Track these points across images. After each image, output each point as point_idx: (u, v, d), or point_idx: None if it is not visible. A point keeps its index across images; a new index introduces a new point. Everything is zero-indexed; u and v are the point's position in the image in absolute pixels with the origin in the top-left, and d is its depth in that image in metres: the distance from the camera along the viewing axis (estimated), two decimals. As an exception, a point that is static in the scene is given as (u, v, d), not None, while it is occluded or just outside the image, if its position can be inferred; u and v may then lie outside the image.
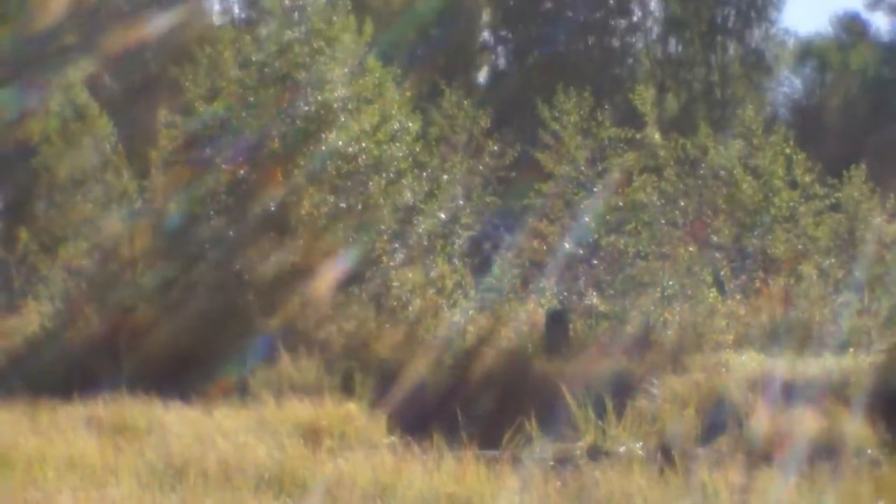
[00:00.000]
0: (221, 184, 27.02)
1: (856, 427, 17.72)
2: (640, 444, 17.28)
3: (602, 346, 24.41)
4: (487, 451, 15.21)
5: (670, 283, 26.05)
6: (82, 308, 26.73)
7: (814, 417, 18.06)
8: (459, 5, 59.95)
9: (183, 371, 22.24)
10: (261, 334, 23.77)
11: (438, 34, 58.85)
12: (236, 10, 59.20)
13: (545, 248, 27.10)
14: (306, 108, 26.97)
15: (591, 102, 27.91)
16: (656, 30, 64.97)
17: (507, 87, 58.35)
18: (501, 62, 65.57)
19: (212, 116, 27.54)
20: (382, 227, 26.78)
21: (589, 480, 13.83)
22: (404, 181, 27.32)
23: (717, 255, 27.57)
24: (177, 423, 17.03)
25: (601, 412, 17.75)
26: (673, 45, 64.37)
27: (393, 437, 16.73)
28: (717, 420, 18.66)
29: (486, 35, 65.48)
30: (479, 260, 28.84)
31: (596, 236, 26.87)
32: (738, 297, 27.07)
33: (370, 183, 26.96)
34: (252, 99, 27.27)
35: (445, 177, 28.33)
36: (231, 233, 26.56)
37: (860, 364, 21.55)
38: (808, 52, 68.30)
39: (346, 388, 20.70)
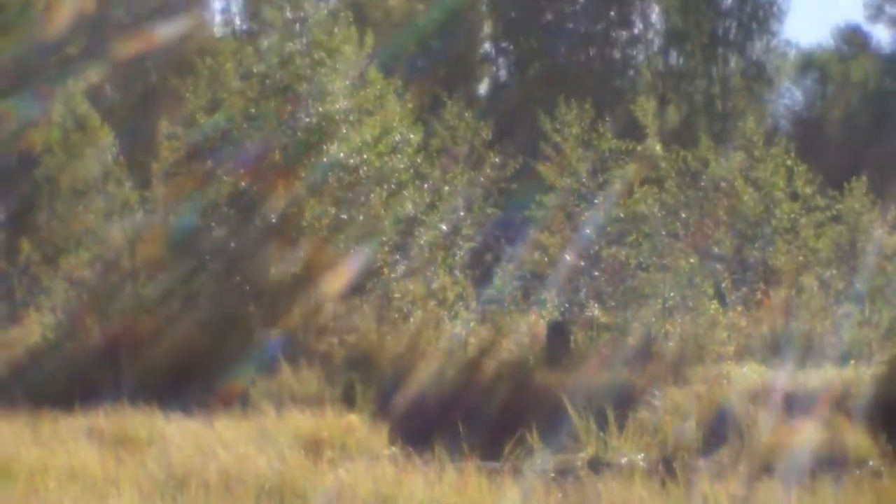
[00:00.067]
0: (223, 195, 27.03)
1: (857, 438, 17.74)
2: (642, 455, 17.31)
3: (603, 357, 24.40)
4: (489, 463, 15.22)
5: (671, 294, 26.05)
6: (84, 319, 26.74)
7: (815, 429, 18.06)
8: (460, 17, 59.96)
9: (184, 382, 22.26)
10: (262, 345, 23.78)
11: (439, 46, 58.85)
12: (238, 21, 59.29)
13: (546, 259, 27.09)
14: (307, 119, 27.00)
15: (592, 114, 27.92)
16: (657, 42, 64.98)
17: (508, 98, 58.34)
18: (502, 74, 65.58)
19: (213, 128, 27.55)
20: (384, 238, 26.79)
21: (590, 492, 13.84)
22: (406, 192, 27.33)
23: (719, 266, 27.57)
24: (178, 433, 17.03)
25: (602, 424, 17.78)
26: (674, 57, 64.36)
27: (394, 448, 16.75)
28: (718, 431, 18.68)
29: (487, 47, 65.48)
30: (481, 271, 28.83)
31: (597, 248, 26.85)
32: (739, 308, 27.07)
33: (371, 194, 26.98)
34: (253, 110, 27.29)
35: (447, 188, 28.35)
36: (232, 244, 26.57)
37: (861, 375, 21.55)
38: (810, 64, 68.33)
39: (348, 399, 20.71)
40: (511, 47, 64.36)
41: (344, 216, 26.60)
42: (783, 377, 21.73)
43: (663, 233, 27.14)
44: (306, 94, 27.19)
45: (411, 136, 27.83)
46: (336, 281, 25.74)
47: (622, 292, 26.49)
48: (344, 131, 26.98)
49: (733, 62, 63.24)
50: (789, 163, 28.84)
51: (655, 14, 65.00)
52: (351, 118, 27.24)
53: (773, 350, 24.95)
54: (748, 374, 22.58)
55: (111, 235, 28.77)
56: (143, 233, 28.22)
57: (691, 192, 28.14)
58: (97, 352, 25.53)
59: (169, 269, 26.98)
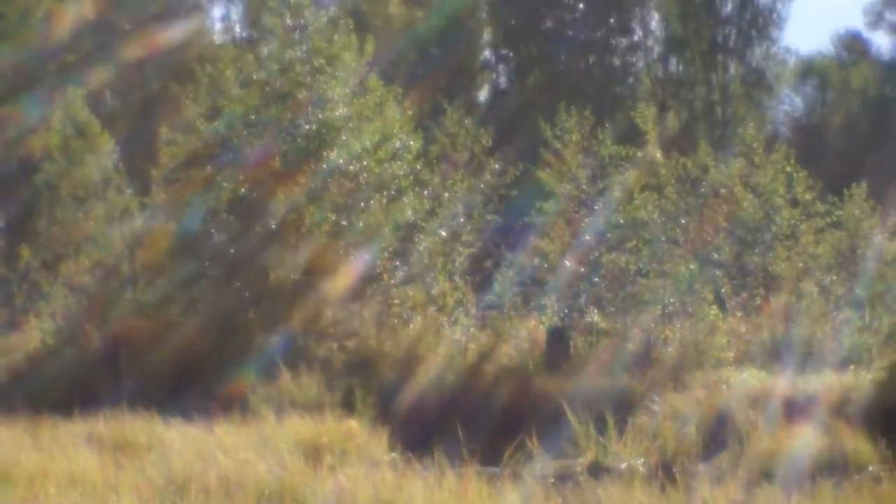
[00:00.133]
0: (223, 201, 27.05)
1: (857, 444, 17.72)
2: (642, 460, 17.32)
3: (603, 363, 24.41)
4: (488, 468, 15.23)
5: (671, 300, 26.06)
6: (83, 325, 26.76)
7: (815, 434, 18.05)
8: (460, 24, 59.98)
9: (184, 387, 22.29)
10: (262, 351, 23.78)
11: (439, 53, 58.87)
12: (238, 29, 59.31)
13: (546, 265, 27.10)
14: (307, 126, 27.02)
15: (591, 121, 27.95)
16: (657, 49, 64.97)
17: (508, 105, 58.33)
18: (502, 81, 65.56)
19: (213, 134, 27.57)
20: (383, 244, 26.79)
21: (590, 497, 13.85)
22: (405, 199, 27.35)
23: (718, 272, 27.57)
24: (178, 439, 17.03)
25: (602, 429, 17.79)
26: (674, 64, 64.34)
27: (394, 454, 16.76)
28: (718, 437, 18.68)
29: (487, 54, 65.48)
30: (481, 277, 28.85)
31: (597, 254, 26.86)
32: (738, 314, 27.08)
33: (371, 201, 27.00)
34: (253, 117, 27.30)
35: (446, 195, 28.38)
36: (232, 250, 26.58)
37: (861, 381, 21.53)
38: (809, 70, 68.37)
39: (347, 405, 20.72)
40: (511, 54, 64.35)
41: (344, 222, 26.62)
42: (783, 383, 21.73)
43: (663, 239, 27.14)
44: (306, 101, 27.20)
45: (411, 142, 27.84)
46: (336, 287, 25.76)
47: (622, 298, 26.50)
48: (344, 138, 27.00)
49: (733, 69, 63.23)
50: (789, 169, 28.87)
51: (655, 21, 65.03)
52: (351, 125, 27.26)
53: (772, 355, 24.95)
54: (748, 379, 22.57)
55: (111, 241, 28.79)
56: (142, 239, 28.24)
57: (691, 199, 28.16)
58: (97, 357, 25.55)
59: (169, 274, 27.00)
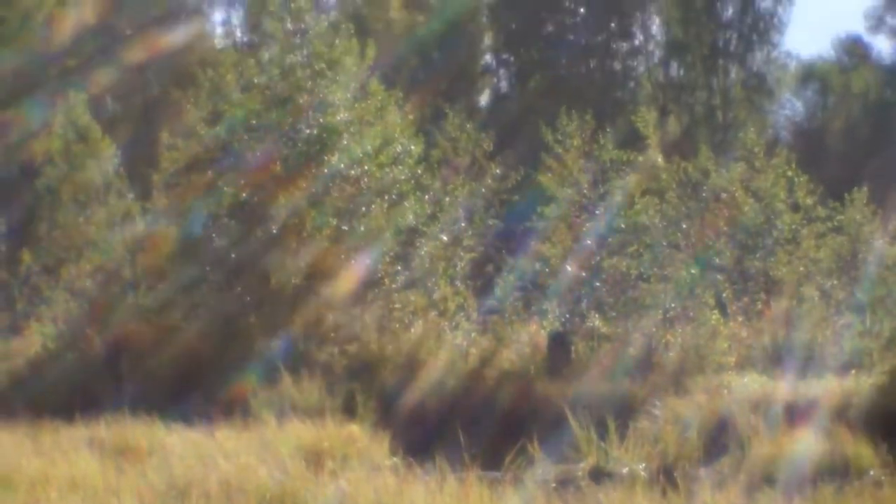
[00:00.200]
0: (224, 206, 27.05)
1: (858, 448, 17.71)
2: (643, 465, 17.32)
3: (604, 367, 24.40)
4: (490, 473, 15.21)
5: (672, 305, 26.06)
6: (85, 329, 26.76)
7: (816, 439, 18.04)
8: (461, 28, 60.00)
9: (185, 392, 22.29)
10: (263, 355, 23.77)
11: (440, 57, 58.90)
12: (239, 33, 59.33)
13: (547, 270, 27.11)
14: (309, 130, 27.02)
15: (592, 125, 27.96)
16: (658, 53, 65.00)
17: (509, 109, 58.36)
18: (503, 85, 65.61)
19: (214, 139, 27.57)
20: (385, 249, 26.79)
21: (591, 502, 13.85)
22: (407, 203, 27.34)
23: (720, 277, 27.57)
24: (179, 443, 17.02)
25: (603, 433, 17.78)
26: (675, 69, 64.37)
27: (395, 459, 16.75)
28: (719, 441, 18.68)
29: (488, 58, 65.52)
30: (482, 282, 28.86)
31: (598, 258, 26.86)
32: (740, 319, 27.09)
33: (372, 205, 26.99)
34: (254, 122, 27.30)
35: (448, 199, 28.39)
36: (233, 254, 26.58)
37: (862, 385, 21.52)
38: (810, 75, 68.38)
39: (349, 410, 20.71)
40: (512, 59, 64.40)
41: (345, 227, 26.61)
42: (784, 387, 21.73)
43: (664, 243, 27.15)
44: (307, 105, 27.20)
45: (412, 147, 27.83)
46: (337, 291, 25.76)
47: (623, 303, 26.50)
48: (345, 142, 26.99)
49: (734, 73, 63.26)
50: (790, 173, 28.87)
51: (656, 25, 65.06)
52: (352, 129, 27.26)
53: (774, 360, 24.94)
54: (749, 384, 22.57)
55: (112, 246, 28.80)
56: (143, 243, 28.25)
57: (692, 203, 28.18)
58: (98, 362, 25.56)
59: (170, 279, 26.99)
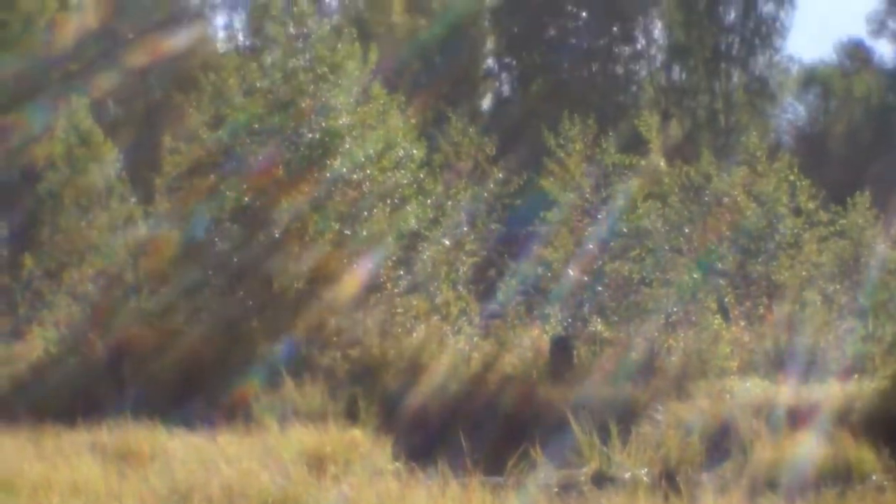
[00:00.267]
0: (226, 210, 27.05)
1: (860, 453, 17.70)
2: (645, 470, 17.30)
3: (606, 372, 24.38)
4: (492, 478, 15.21)
5: (675, 309, 26.04)
6: (87, 333, 26.76)
7: (818, 443, 18.03)
8: (463, 33, 60.07)
9: (187, 396, 22.28)
10: (265, 360, 23.76)
11: (443, 61, 58.98)
12: (241, 37, 59.40)
13: (550, 274, 27.10)
14: (311, 135, 27.02)
15: (595, 129, 27.96)
16: (660, 57, 65.08)
17: (512, 114, 58.42)
18: (505, 89, 65.70)
19: (216, 143, 27.58)
20: (387, 253, 26.78)
21: (594, 506, 13.84)
22: (409, 208, 27.32)
23: (722, 281, 27.55)
24: (181, 448, 17.02)
25: (606, 438, 17.77)
26: (677, 73, 64.44)
27: (398, 464, 16.72)
28: (721, 446, 18.67)
29: (490, 62, 65.62)
30: (484, 286, 28.84)
31: (600, 263, 26.86)
32: (742, 323, 27.05)
33: (375, 209, 26.99)
34: (257, 126, 27.30)
35: (450, 203, 28.36)
36: (235, 258, 26.58)
37: (864, 390, 21.51)
38: (812, 79, 68.43)
39: (351, 415, 20.69)
40: (514, 63, 64.49)
41: (347, 231, 26.60)
42: (786, 392, 21.71)
43: (666, 248, 27.13)
44: (309, 109, 27.19)
45: (414, 151, 27.82)
46: (339, 295, 25.76)
47: (625, 307, 26.48)
48: (347, 146, 26.99)
49: (736, 77, 63.32)
50: (792, 178, 28.84)
51: (658, 30, 65.17)
52: (354, 133, 27.24)
53: (776, 365, 24.92)
54: (751, 388, 22.56)
55: (114, 250, 28.82)
56: (146, 247, 28.25)
57: (694, 207, 28.15)
58: (100, 366, 25.54)
59: (172, 283, 26.98)
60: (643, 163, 27.79)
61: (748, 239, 28.42)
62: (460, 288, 27.81)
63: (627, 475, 16.97)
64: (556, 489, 15.75)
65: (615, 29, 63.22)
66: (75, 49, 46.20)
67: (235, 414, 20.21)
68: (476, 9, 61.54)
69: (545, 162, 28.39)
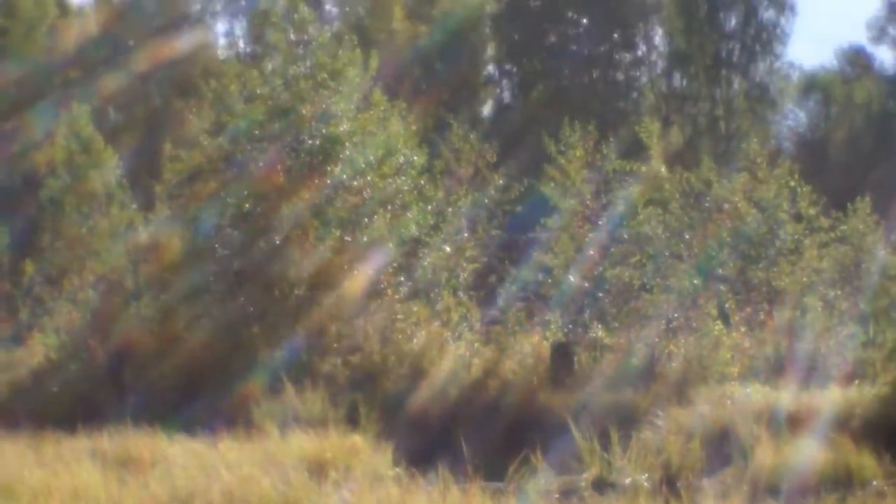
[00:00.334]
0: (227, 216, 27.06)
1: (861, 459, 17.69)
2: (646, 475, 17.29)
3: (607, 378, 24.37)
4: (492, 483, 15.21)
5: (675, 315, 26.05)
6: (87, 340, 26.77)
7: (819, 449, 18.02)
8: (464, 39, 60.12)
9: (188, 402, 22.28)
10: (266, 366, 23.76)
11: (443, 68, 59.00)
12: (241, 44, 59.47)
13: (550, 280, 27.12)
14: (311, 141, 27.03)
15: (595, 136, 27.99)
16: (661, 64, 65.11)
17: (512, 120, 58.43)
18: (506, 96, 65.70)
19: (217, 149, 27.59)
20: (388, 259, 26.78)
21: (594, 512, 13.84)
22: (409, 214, 27.34)
23: (722, 287, 27.54)
24: (181, 454, 17.02)
25: (606, 444, 17.76)
26: (677, 79, 64.48)
27: (398, 469, 16.72)
28: (721, 452, 18.66)
29: (490, 69, 65.61)
30: (485, 292, 28.84)
31: (601, 269, 26.87)
32: (743, 329, 27.03)
33: (375, 216, 27.00)
34: (257, 132, 27.32)
35: (450, 210, 28.38)
36: (236, 265, 26.59)
37: (865, 396, 21.50)
38: (813, 85, 68.41)
39: (352, 420, 20.69)
40: (515, 69, 64.50)
41: (348, 237, 26.62)
42: (787, 398, 21.68)
43: (667, 254, 27.14)
44: (310, 116, 27.21)
45: (415, 157, 27.84)
46: (340, 302, 25.77)
47: (626, 313, 26.49)
48: (348, 153, 27.00)
49: (737, 84, 63.35)
50: (793, 184, 28.83)
51: (659, 36, 65.18)
52: (355, 140, 27.26)
53: (776, 370, 24.90)
54: (752, 394, 22.52)
55: (115, 256, 28.83)
56: (146, 253, 28.26)
57: (695, 214, 28.15)
58: (101, 372, 25.57)
59: (173, 289, 26.99)
60: (644, 169, 27.81)
61: (749, 245, 28.40)
62: (461, 294, 27.83)
63: (628, 481, 16.96)
64: (556, 495, 15.75)
65: (616, 35, 63.24)
66: (76, 56, 46.25)
67: (236, 420, 20.20)
68: (477, 15, 61.57)
69: (546, 168, 28.43)
